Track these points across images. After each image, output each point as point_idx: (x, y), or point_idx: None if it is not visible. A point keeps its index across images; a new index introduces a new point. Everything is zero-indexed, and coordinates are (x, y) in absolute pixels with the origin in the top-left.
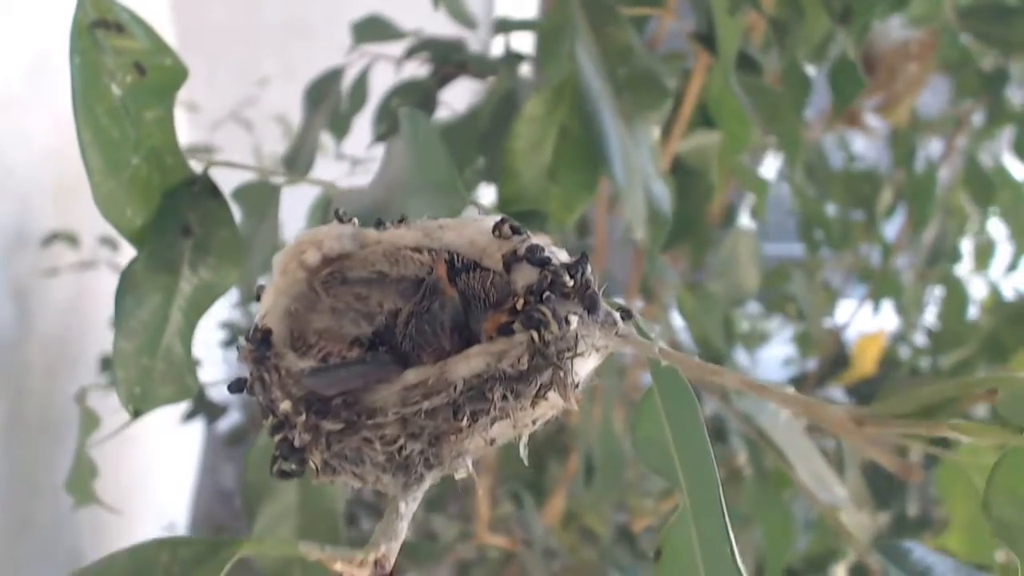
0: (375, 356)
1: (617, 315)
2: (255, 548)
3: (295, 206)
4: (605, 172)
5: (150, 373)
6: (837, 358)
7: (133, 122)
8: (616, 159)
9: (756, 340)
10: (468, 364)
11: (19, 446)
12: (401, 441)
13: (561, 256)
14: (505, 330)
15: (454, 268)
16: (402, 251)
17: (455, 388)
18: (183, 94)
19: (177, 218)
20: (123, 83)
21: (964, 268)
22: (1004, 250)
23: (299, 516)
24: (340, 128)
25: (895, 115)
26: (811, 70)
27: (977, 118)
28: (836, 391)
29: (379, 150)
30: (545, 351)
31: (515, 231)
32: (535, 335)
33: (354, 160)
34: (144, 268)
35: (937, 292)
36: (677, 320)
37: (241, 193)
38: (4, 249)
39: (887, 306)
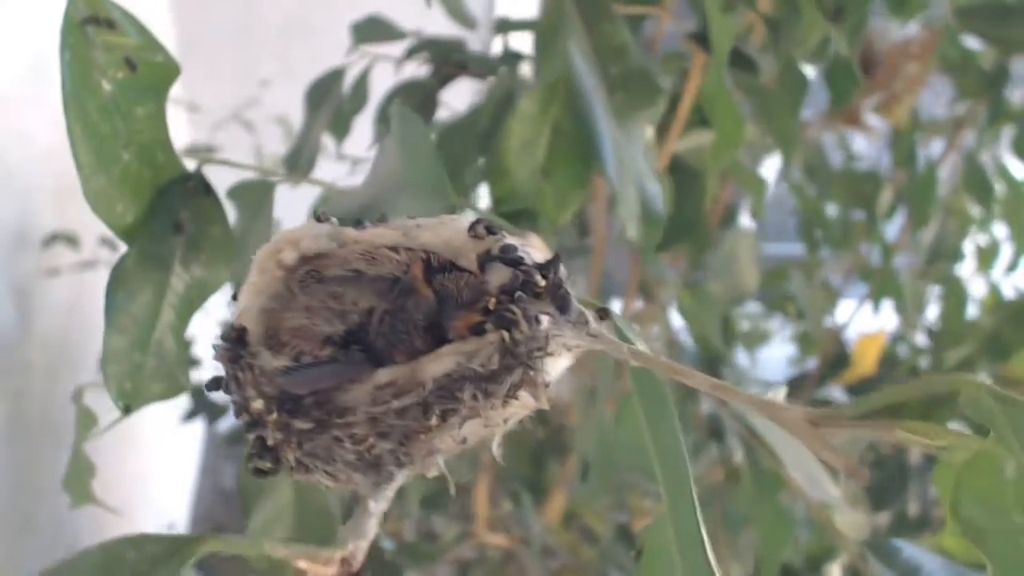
0: (347, 355)
1: (590, 315)
2: (218, 546)
3: (297, 206)
4: (598, 169)
5: (141, 369)
6: (837, 358)
7: (124, 118)
8: (609, 157)
9: (756, 340)
10: (439, 363)
11: (20, 446)
12: (371, 440)
13: (536, 256)
14: (477, 330)
15: (431, 268)
16: (379, 250)
17: (425, 387)
18: (184, 94)
19: (169, 215)
20: (114, 79)
21: (966, 268)
22: (1005, 249)
23: (294, 514)
24: (341, 128)
25: (895, 115)
26: (811, 69)
27: (977, 118)
28: (836, 390)
29: None
30: (515, 350)
31: (490, 231)
32: (505, 335)
33: (354, 160)
34: (135, 264)
35: (937, 291)
36: (677, 320)
37: (236, 191)
38: (4, 249)
39: (887, 306)
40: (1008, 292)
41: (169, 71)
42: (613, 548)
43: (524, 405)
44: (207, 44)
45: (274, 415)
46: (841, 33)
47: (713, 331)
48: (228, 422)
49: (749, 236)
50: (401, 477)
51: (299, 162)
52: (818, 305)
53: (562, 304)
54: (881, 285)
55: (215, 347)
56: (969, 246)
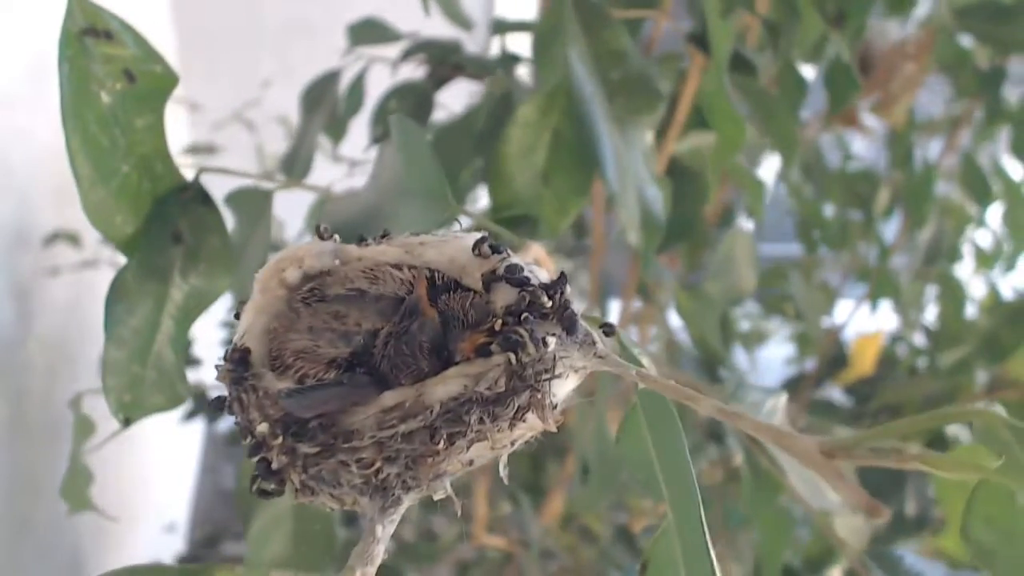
0: (352, 378)
1: (596, 335)
2: (229, 574)
3: (296, 208)
4: (598, 176)
5: (141, 381)
6: (835, 358)
7: (123, 130)
8: (609, 163)
9: (755, 340)
10: (445, 387)
11: (19, 447)
12: (378, 464)
13: (541, 276)
14: (483, 351)
15: (435, 287)
16: (382, 268)
17: (432, 411)
18: (185, 93)
19: (167, 225)
20: (113, 90)
21: (966, 268)
22: (1005, 249)
23: (293, 521)
24: (337, 131)
25: (892, 115)
26: (808, 70)
27: (975, 118)
28: (835, 391)
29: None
30: (522, 373)
31: (495, 250)
32: (512, 357)
33: (352, 162)
34: (134, 276)
35: (936, 292)
36: (675, 320)
37: (233, 199)
38: (5, 249)
39: (886, 306)
40: (1007, 292)
41: (168, 81)
42: (612, 549)
43: (531, 427)
44: (207, 44)
45: (279, 439)
46: (842, 38)
47: (712, 332)
48: (228, 422)
49: (746, 236)
50: (408, 500)
51: (295, 165)
52: (816, 305)
53: (569, 325)
54: (879, 285)
55: (218, 368)
56: (968, 246)
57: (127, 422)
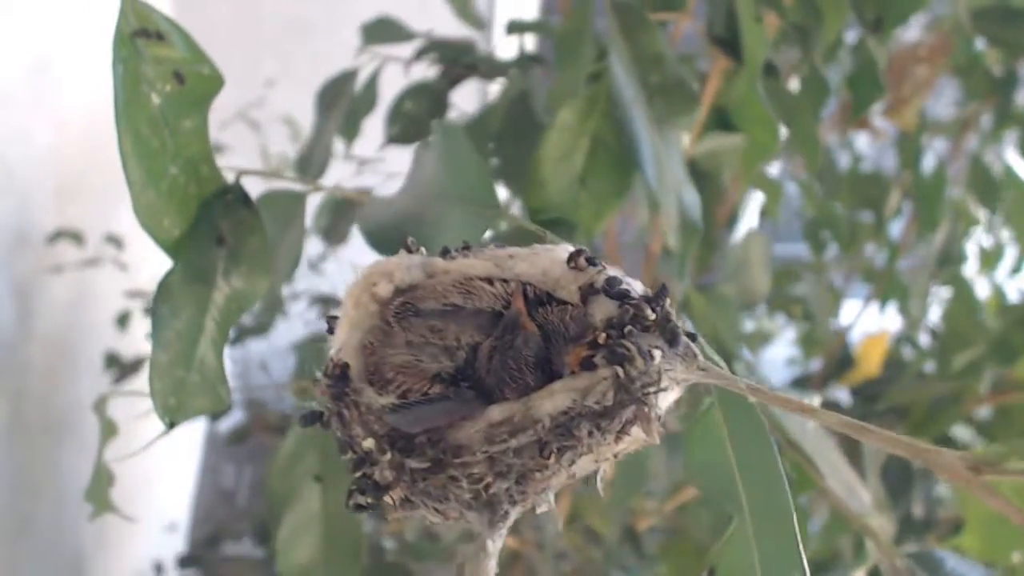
0: (458, 392)
1: (696, 348)
2: None
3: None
4: (639, 179)
5: (184, 384)
6: (841, 359)
7: (172, 131)
8: (650, 166)
9: (760, 340)
10: (553, 401)
11: (20, 446)
12: (488, 479)
13: (637, 287)
14: (587, 365)
15: (528, 300)
16: (473, 282)
17: (542, 425)
18: None
19: (211, 228)
20: (162, 92)
21: (969, 270)
22: (1008, 251)
23: (323, 524)
24: (350, 130)
25: (903, 118)
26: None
27: (984, 120)
28: (841, 392)
29: (388, 152)
30: (630, 387)
31: (590, 262)
32: (620, 371)
33: (361, 161)
34: (180, 279)
35: (942, 294)
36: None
37: (267, 201)
38: (5, 248)
39: (891, 307)
40: (1011, 294)
41: (214, 83)
42: (618, 550)
43: (635, 440)
44: (208, 44)
45: (387, 454)
46: (880, 42)
47: (728, 334)
48: (229, 422)
49: (762, 239)
50: (515, 514)
51: (311, 164)
52: (826, 307)
53: (672, 337)
54: (887, 287)
55: (316, 383)
56: (972, 247)
57: (171, 425)
